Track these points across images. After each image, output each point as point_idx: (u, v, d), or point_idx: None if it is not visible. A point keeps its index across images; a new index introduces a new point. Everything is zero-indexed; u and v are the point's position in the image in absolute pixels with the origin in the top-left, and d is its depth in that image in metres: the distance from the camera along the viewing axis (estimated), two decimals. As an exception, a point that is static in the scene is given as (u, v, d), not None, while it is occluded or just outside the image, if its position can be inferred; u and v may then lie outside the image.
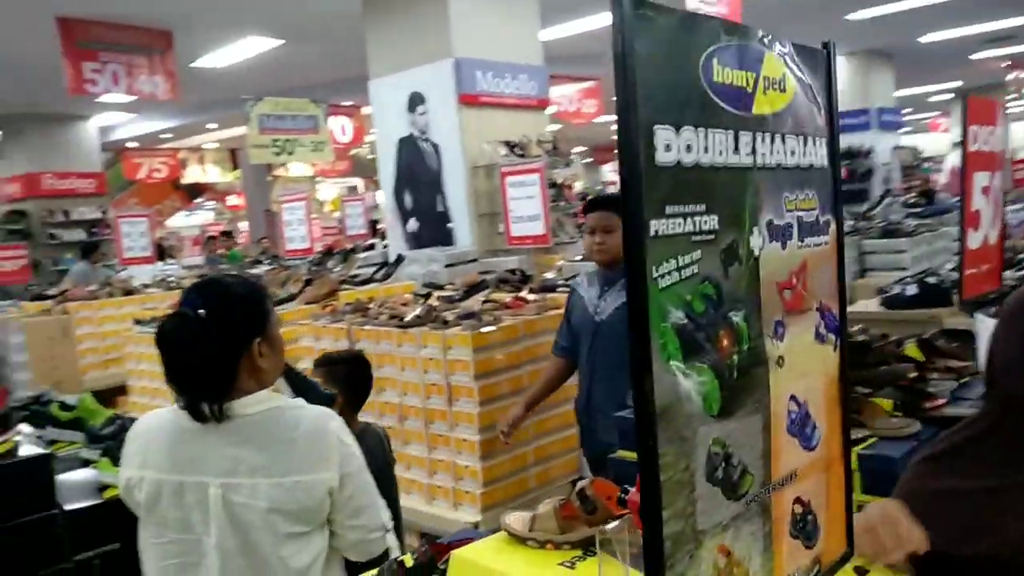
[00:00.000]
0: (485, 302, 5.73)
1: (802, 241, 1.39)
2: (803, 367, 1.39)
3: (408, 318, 5.17)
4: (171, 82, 8.88)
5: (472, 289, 6.33)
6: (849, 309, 4.97)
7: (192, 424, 2.05)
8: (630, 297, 1.05)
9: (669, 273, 1.10)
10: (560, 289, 5.81)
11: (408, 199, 8.48)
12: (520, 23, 8.36)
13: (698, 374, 1.15)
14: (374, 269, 7.62)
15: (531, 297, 5.64)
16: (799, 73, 1.38)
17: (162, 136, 14.99)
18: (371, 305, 5.76)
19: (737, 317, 1.23)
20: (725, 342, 1.20)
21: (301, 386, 2.79)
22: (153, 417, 2.20)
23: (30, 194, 12.53)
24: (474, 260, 7.81)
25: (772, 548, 1.32)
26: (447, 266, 7.64)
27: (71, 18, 8.23)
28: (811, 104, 1.42)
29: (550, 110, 9.60)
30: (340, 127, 11.95)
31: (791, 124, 1.36)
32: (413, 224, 8.49)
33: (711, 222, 1.18)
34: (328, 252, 8.93)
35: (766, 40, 1.29)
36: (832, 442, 1.49)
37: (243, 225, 15.80)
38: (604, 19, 10.20)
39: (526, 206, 7.41)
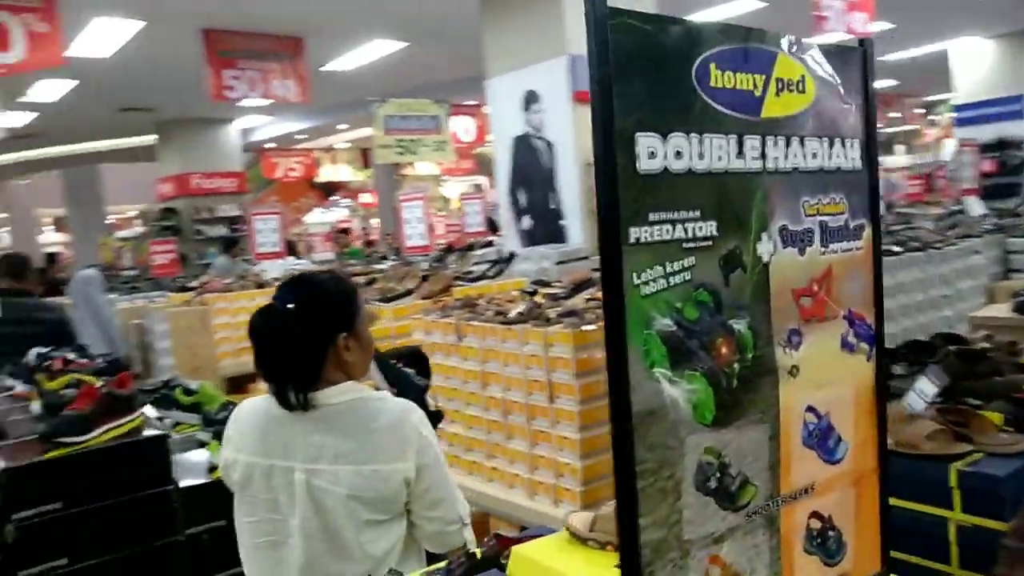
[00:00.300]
0: (589, 300, 5.74)
1: (826, 246, 1.35)
2: (824, 377, 1.35)
3: (512, 315, 5.25)
4: (302, 85, 9.33)
5: (579, 287, 6.34)
6: (978, 314, 4.69)
7: (281, 411, 2.18)
8: (605, 303, 1.06)
9: (655, 280, 1.10)
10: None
11: (522, 197, 8.56)
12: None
13: (688, 382, 1.14)
14: (487, 266, 7.74)
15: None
16: (824, 73, 1.33)
17: (297, 137, 15.78)
18: (480, 301, 5.87)
19: (739, 325, 1.21)
20: (724, 350, 1.19)
21: (394, 377, 2.90)
22: (250, 403, 2.35)
23: (180, 193, 13.48)
24: (585, 258, 7.80)
25: (780, 563, 1.28)
26: (558, 263, 7.67)
27: (214, 30, 8.79)
28: (841, 104, 1.37)
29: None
30: (463, 127, 12.20)
31: (812, 126, 1.31)
32: (527, 222, 8.56)
33: (708, 228, 1.16)
34: (448, 249, 9.13)
35: (779, 42, 1.25)
36: (863, 456, 1.43)
37: (375, 222, 16.45)
38: (726, 11, 9.95)
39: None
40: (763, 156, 1.23)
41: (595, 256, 7.76)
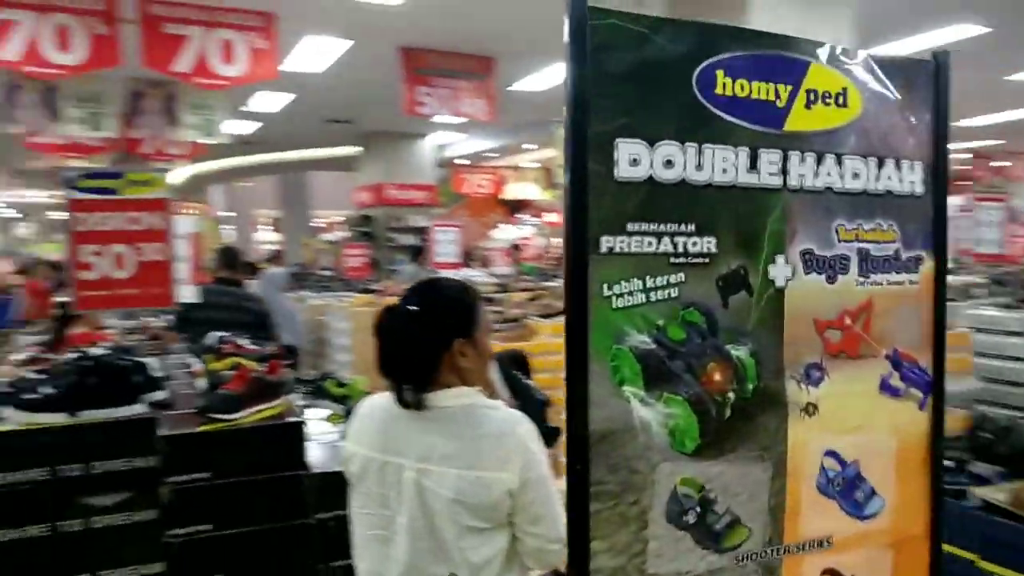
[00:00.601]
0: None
1: (866, 276, 1.22)
2: (854, 421, 1.22)
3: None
4: (490, 105, 9.62)
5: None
6: None
7: (400, 410, 2.27)
8: (566, 311, 1.02)
9: (631, 294, 1.04)
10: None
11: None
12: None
13: (666, 405, 1.07)
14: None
15: None
16: (879, 86, 1.21)
17: (486, 155, 16.19)
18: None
19: (740, 352, 1.12)
20: (716, 376, 1.10)
21: (518, 389, 2.91)
22: (374, 399, 2.46)
23: (376, 202, 14.29)
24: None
25: (780, 618, 1.17)
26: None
27: (413, 48, 9.29)
28: (897, 121, 1.24)
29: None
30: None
31: (855, 143, 1.20)
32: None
33: (704, 244, 1.09)
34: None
35: (814, 50, 1.16)
36: (908, 517, 1.27)
37: (556, 240, 16.67)
38: (940, 37, 9.18)
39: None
40: (784, 172, 1.14)
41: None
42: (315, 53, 9.15)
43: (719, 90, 1.08)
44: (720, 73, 1.08)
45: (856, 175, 1.20)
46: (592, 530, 1.02)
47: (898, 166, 1.24)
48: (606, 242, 1.02)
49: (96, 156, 9.82)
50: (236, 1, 6.08)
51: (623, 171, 1.03)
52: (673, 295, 1.07)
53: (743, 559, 1.13)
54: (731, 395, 1.11)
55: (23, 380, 2.76)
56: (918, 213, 1.26)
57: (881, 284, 1.23)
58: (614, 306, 1.03)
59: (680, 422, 1.07)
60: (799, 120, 1.15)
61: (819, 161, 1.17)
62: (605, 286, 1.03)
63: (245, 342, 4.60)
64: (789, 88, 1.13)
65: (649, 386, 1.06)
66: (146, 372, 3.00)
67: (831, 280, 1.19)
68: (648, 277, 1.05)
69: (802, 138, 1.15)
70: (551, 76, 10.82)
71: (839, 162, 1.18)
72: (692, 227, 1.08)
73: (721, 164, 1.09)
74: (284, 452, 3.73)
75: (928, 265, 1.28)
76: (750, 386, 1.13)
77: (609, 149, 1.02)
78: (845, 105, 1.18)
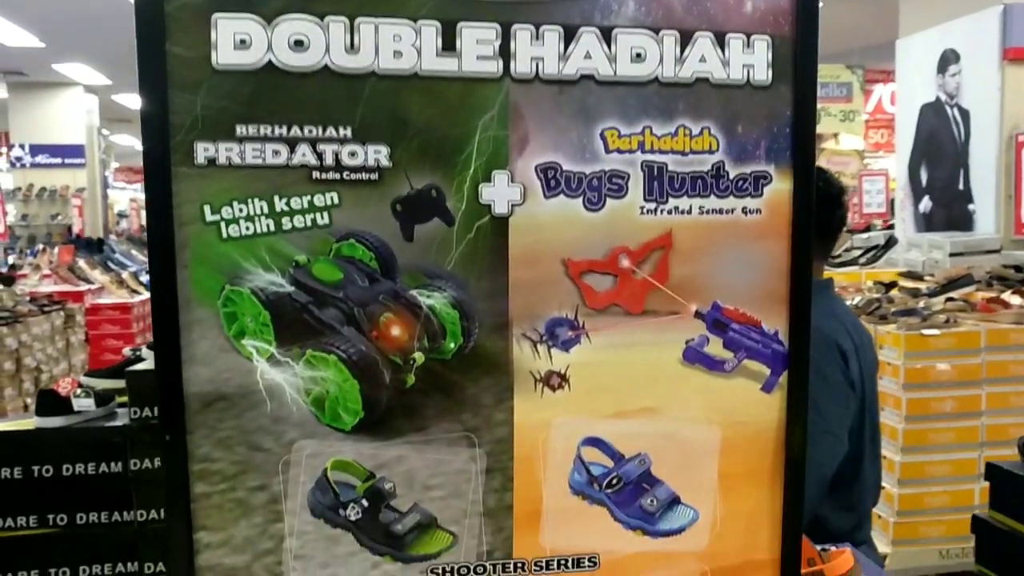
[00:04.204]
0: (948, 299, 4.72)
1: (658, 201, 0.87)
2: (635, 401, 0.88)
3: (843, 307, 4.57)
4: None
5: (951, 284, 5.26)
6: None
7: None
8: (149, 239, 0.80)
9: (249, 219, 0.80)
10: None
11: (924, 174, 7.30)
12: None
13: (310, 366, 0.82)
14: (860, 252, 6.77)
15: (1016, 301, 4.45)
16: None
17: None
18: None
19: (433, 299, 0.84)
20: (395, 330, 0.83)
21: None
22: None
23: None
24: (995, 251, 6.38)
25: (508, 654, 0.88)
26: (952, 255, 6.40)
27: None
28: (719, -20, 0.86)
29: None
30: (890, 95, 10.69)
31: (634, 10, 0.84)
32: (926, 204, 7.29)
33: (370, 155, 0.81)
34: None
35: None
36: (742, 538, 0.91)
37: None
38: None
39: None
40: (504, 55, 0.83)
41: (1012, 251, 6.40)
42: None
43: (383, -58, 0.80)
44: (381, -81, 0.79)
45: (639, 56, 0.85)
46: (197, 518, 0.81)
47: (720, 43, 0.86)
48: (204, 150, 0.79)
49: None
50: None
51: (223, 56, 0.78)
52: (321, 222, 0.81)
53: (441, 574, 0.85)
54: (418, 356, 0.83)
55: None
56: (760, 110, 0.88)
57: (688, 212, 0.87)
58: (224, 235, 0.80)
59: (331, 389, 0.82)
60: (526, -19, 0.82)
61: (569, 38, 0.83)
62: (208, 208, 0.79)
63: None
64: (508, -65, 0.81)
65: (283, 341, 0.81)
66: None
67: (593, 206, 0.85)
68: (277, 198, 0.80)
69: (527, 7, 0.82)
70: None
71: (607, 38, 0.84)
72: (347, 131, 0.81)
73: (392, 45, 0.81)
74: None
75: (779, 187, 0.89)
76: (451, 345, 0.84)
77: (203, 24, 0.78)
78: (613, -47, 0.83)
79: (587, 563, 0.88)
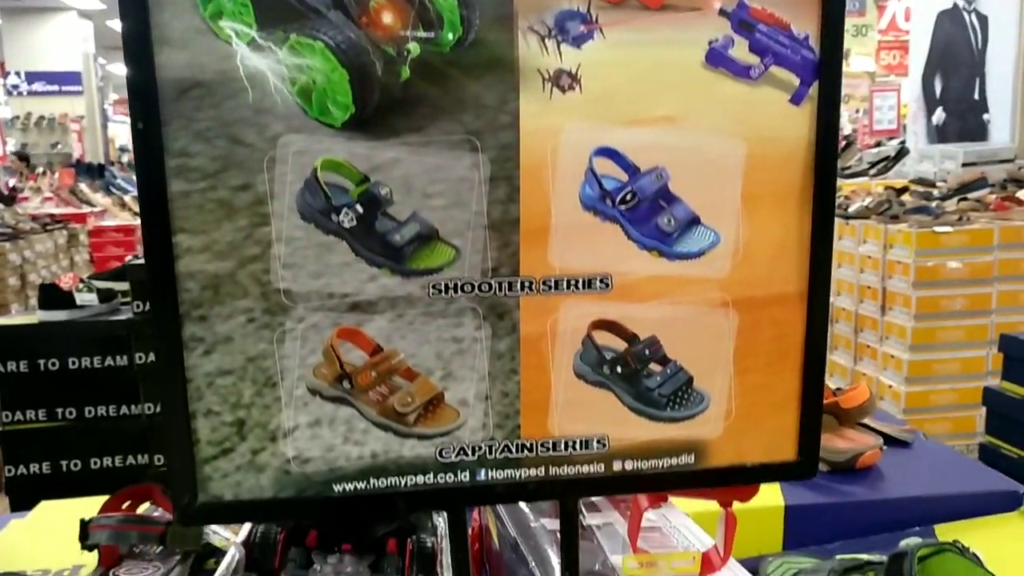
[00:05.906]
0: (961, 200, 4.63)
1: None
2: (651, 107, 0.80)
3: (853, 208, 4.48)
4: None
5: (964, 188, 5.16)
6: None
7: None
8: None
9: None
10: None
11: (938, 85, 7.13)
12: None
13: (295, 53, 0.74)
14: (870, 164, 6.65)
15: (1030, 199, 4.37)
16: None
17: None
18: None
19: (429, -16, 0.76)
20: (387, 17, 0.75)
21: None
22: None
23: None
24: (1009, 160, 6.25)
25: (517, 379, 0.82)
26: (964, 165, 6.28)
27: None
28: None
29: None
30: (904, 11, 10.39)
31: None
32: (939, 115, 7.13)
33: None
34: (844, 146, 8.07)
35: None
36: (764, 267, 0.84)
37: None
38: None
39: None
40: None
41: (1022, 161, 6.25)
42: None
43: None
44: None
45: None
46: (176, 219, 0.74)
47: None
48: None
49: None
50: None
51: None
52: None
53: (443, 289, 0.79)
54: (413, 47, 0.76)
55: None
56: None
57: None
58: None
59: (319, 79, 0.74)
60: None
61: None
62: None
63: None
64: None
65: (265, 24, 0.74)
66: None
67: None
68: None
69: None
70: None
71: None
72: None
73: None
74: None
75: None
76: (450, 36, 0.76)
77: None
78: None
79: (599, 284, 0.82)
